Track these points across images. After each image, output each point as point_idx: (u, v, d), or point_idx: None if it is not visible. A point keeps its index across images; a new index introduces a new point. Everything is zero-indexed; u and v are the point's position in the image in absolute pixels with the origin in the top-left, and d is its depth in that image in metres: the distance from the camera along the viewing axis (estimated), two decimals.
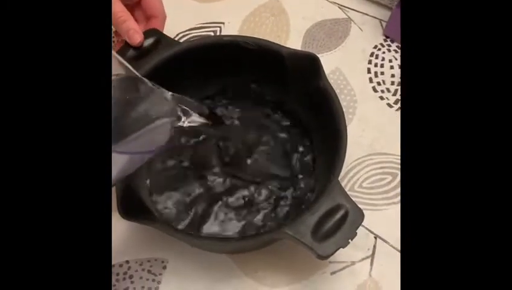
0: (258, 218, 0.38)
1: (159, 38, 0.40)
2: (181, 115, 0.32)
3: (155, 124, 0.31)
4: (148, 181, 0.40)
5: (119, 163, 0.26)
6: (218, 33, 0.50)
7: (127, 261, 0.38)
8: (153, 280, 0.37)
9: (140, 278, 0.37)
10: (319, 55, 0.36)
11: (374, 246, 0.39)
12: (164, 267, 0.38)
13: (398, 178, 0.41)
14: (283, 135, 0.42)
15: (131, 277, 0.37)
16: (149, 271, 0.37)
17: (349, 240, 0.30)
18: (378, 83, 0.47)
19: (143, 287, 0.37)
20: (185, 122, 0.32)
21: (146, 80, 0.30)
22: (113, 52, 0.29)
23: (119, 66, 0.30)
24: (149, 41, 0.39)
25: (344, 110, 0.36)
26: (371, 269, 0.38)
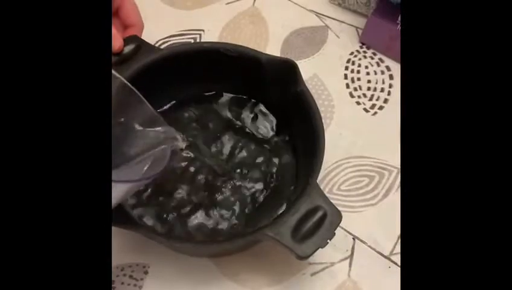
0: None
1: (139, 44, 0.40)
2: (178, 138, 0.33)
3: (156, 150, 0.31)
4: None
5: (120, 191, 0.27)
6: (198, 40, 0.51)
7: None
8: (135, 285, 0.37)
9: (122, 283, 0.37)
10: (297, 62, 0.37)
11: (353, 247, 0.40)
12: (145, 272, 0.38)
13: (375, 180, 0.43)
14: (262, 142, 0.43)
15: (112, 282, 0.37)
16: (130, 276, 0.37)
17: (328, 241, 0.31)
18: (355, 89, 0.48)
19: None
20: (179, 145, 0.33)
21: (148, 103, 0.31)
22: (119, 76, 0.30)
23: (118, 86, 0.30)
24: (129, 47, 0.39)
25: (322, 114, 0.37)
26: (350, 269, 0.39)
